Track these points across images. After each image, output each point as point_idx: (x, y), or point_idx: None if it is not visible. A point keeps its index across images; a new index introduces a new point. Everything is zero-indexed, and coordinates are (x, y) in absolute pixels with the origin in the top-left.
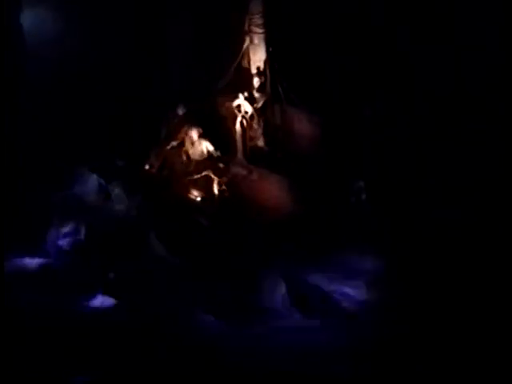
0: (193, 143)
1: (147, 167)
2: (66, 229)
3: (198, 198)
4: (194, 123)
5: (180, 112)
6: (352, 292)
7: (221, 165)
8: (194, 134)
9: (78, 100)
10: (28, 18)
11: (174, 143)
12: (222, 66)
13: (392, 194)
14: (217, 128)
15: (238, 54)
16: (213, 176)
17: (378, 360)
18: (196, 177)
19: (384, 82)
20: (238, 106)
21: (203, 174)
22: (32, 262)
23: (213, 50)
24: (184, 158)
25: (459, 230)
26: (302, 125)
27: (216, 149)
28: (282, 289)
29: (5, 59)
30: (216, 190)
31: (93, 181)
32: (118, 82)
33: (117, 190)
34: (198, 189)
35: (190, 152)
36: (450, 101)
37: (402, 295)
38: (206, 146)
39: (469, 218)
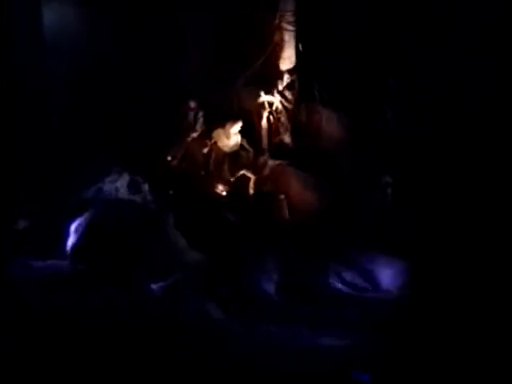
0: (228, 135)
1: (169, 158)
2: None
3: (224, 193)
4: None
5: (193, 105)
6: (370, 291)
7: (261, 160)
8: (235, 127)
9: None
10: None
11: (195, 134)
12: (241, 61)
13: (419, 190)
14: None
15: (266, 50)
16: (250, 175)
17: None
18: (235, 176)
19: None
20: (266, 102)
21: (241, 173)
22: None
23: (232, 46)
24: (208, 148)
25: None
26: (329, 123)
27: (249, 144)
28: (295, 287)
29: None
30: (251, 189)
31: (122, 177)
32: (131, 78)
33: (141, 185)
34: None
35: (221, 144)
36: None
37: (423, 296)
38: (239, 140)
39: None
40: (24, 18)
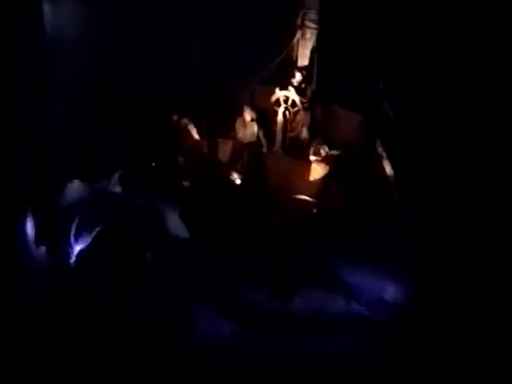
0: (245, 125)
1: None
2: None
3: (238, 181)
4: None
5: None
6: (375, 293)
7: None
8: (252, 114)
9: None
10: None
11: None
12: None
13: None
14: (258, 117)
15: (285, 47)
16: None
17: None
18: None
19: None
20: (283, 97)
21: None
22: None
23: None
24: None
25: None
26: (345, 122)
27: (265, 135)
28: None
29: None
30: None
31: None
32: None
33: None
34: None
35: (240, 134)
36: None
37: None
38: (255, 130)
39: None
40: None
